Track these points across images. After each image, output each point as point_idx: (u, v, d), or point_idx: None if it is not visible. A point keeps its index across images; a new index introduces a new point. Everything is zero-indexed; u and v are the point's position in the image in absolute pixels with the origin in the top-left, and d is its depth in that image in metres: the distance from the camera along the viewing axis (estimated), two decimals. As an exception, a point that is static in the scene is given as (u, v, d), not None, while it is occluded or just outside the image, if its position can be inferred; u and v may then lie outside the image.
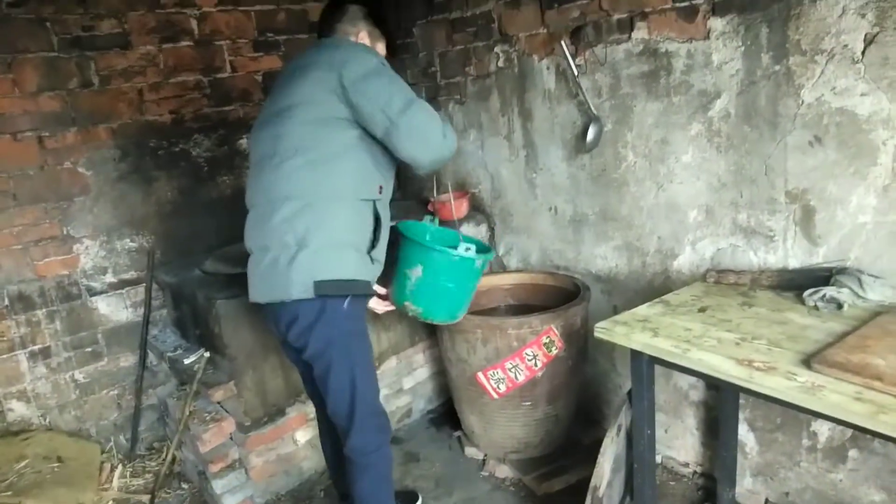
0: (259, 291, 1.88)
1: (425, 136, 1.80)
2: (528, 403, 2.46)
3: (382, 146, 1.85)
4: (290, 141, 1.80)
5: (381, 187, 1.90)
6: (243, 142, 3.03)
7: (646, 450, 1.82)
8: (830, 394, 1.28)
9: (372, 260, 1.90)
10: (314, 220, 1.78)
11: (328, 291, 1.78)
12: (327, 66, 1.78)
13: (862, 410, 1.22)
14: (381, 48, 2.04)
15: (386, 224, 1.96)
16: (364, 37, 1.99)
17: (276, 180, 1.81)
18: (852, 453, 1.95)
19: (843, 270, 1.77)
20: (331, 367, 1.87)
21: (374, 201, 1.88)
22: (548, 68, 2.54)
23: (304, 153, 1.78)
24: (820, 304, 1.70)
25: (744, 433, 2.21)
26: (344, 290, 1.82)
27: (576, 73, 2.36)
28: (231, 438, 2.49)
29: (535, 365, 2.36)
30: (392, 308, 2.20)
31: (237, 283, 2.35)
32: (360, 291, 1.87)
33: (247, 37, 2.97)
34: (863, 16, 1.63)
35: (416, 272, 2.05)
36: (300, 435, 2.59)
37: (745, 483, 2.27)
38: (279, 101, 1.86)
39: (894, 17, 1.58)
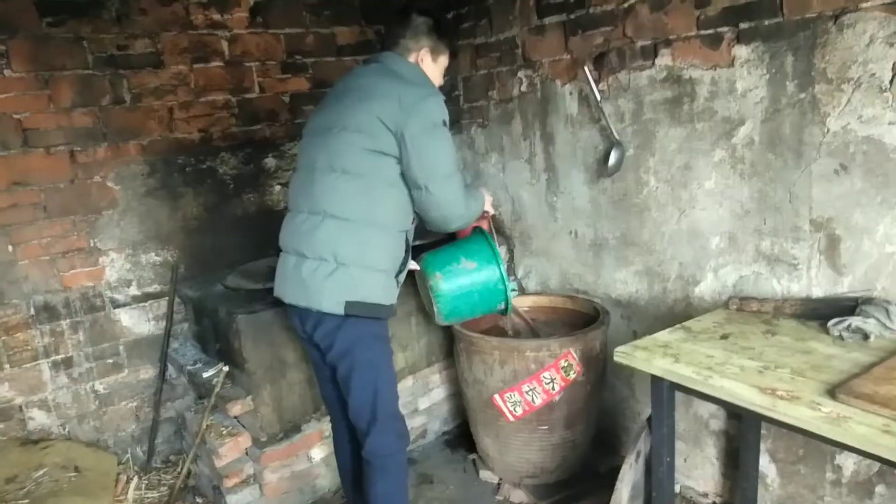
0: (289, 293, 1.96)
1: (446, 208, 1.92)
2: (545, 427, 2.43)
3: None
4: (350, 164, 1.88)
5: (413, 218, 2.01)
6: (269, 160, 3.08)
7: (665, 477, 1.80)
8: (857, 425, 1.26)
9: (397, 283, 1.99)
10: (358, 243, 1.87)
11: (356, 312, 1.87)
12: (395, 104, 1.84)
13: (891, 444, 1.20)
14: (442, 61, 2.09)
15: (409, 251, 2.06)
16: (425, 54, 2.01)
17: (328, 195, 1.89)
18: (879, 489, 1.90)
19: (869, 300, 1.74)
20: (354, 366, 1.93)
21: (406, 231, 2.00)
22: (570, 93, 2.56)
23: (362, 179, 1.87)
24: (845, 334, 1.67)
25: (765, 464, 2.17)
26: (370, 313, 1.90)
27: (598, 98, 2.38)
28: (246, 454, 2.49)
29: (553, 388, 2.34)
30: (416, 268, 2.30)
31: (259, 298, 2.38)
32: (383, 315, 1.95)
33: (275, 59, 3.03)
34: (891, 45, 1.63)
35: (468, 265, 2.28)
36: (315, 452, 2.58)
37: (767, 516, 2.22)
38: (336, 116, 1.92)
39: (922, 47, 1.58)
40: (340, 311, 1.85)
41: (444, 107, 1.92)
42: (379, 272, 1.91)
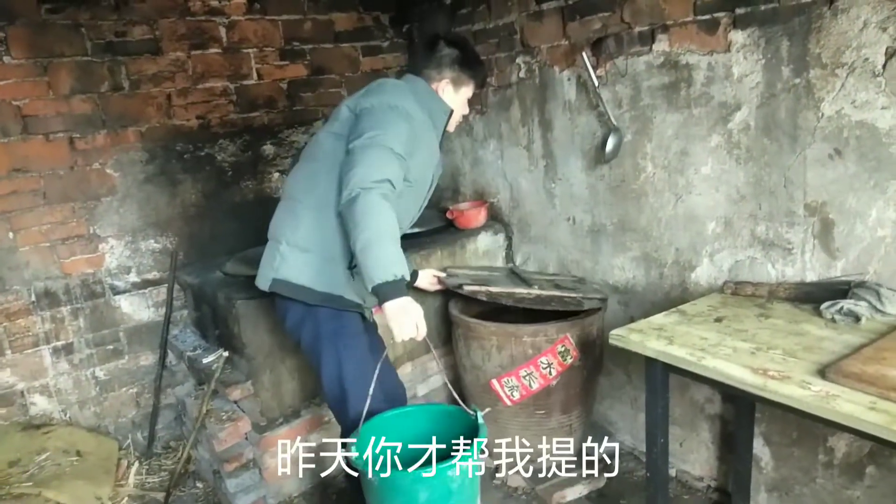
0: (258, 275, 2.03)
1: (355, 170, 1.72)
2: (542, 412, 2.45)
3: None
4: (315, 150, 1.97)
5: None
6: (267, 148, 3.09)
7: (659, 458, 1.82)
8: (844, 403, 1.28)
9: (350, 274, 1.90)
10: (293, 221, 1.90)
11: (280, 291, 1.90)
12: (364, 92, 1.97)
13: (877, 420, 1.22)
14: (465, 91, 2.09)
15: None
16: (445, 85, 2.03)
17: (291, 179, 2.03)
18: (870, 470, 1.92)
19: (861, 284, 1.76)
20: (320, 363, 1.94)
21: None
22: (569, 79, 2.57)
23: (316, 162, 1.93)
24: (837, 316, 1.69)
25: (759, 447, 2.19)
26: (294, 294, 1.88)
27: (596, 84, 2.38)
28: (246, 438, 2.52)
29: (550, 373, 2.36)
30: (440, 288, 2.51)
31: (257, 284, 2.40)
32: (313, 301, 1.88)
33: (273, 45, 3.03)
34: (884, 29, 1.63)
35: None
36: (315, 437, 2.61)
37: (760, 498, 2.24)
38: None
39: (916, 30, 1.59)
40: (266, 287, 1.90)
41: (410, 107, 1.89)
42: (308, 253, 1.87)
